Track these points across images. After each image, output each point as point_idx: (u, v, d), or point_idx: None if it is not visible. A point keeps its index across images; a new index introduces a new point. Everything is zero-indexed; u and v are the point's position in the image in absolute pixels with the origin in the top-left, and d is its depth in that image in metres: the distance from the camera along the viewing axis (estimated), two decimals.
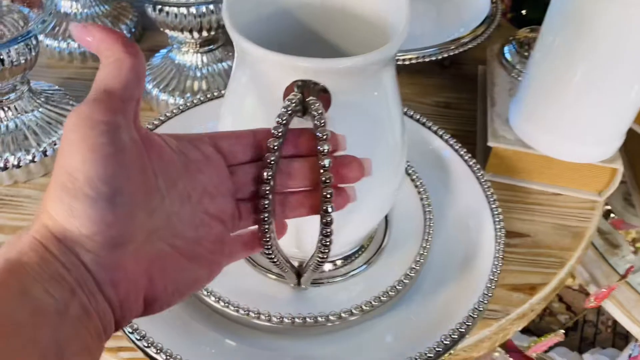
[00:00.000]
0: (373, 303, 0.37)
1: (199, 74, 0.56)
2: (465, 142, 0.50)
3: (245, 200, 0.28)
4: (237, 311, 0.36)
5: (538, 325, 1.04)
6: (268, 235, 0.29)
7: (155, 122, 0.49)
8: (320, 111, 0.27)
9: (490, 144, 0.49)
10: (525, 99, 0.48)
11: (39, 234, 0.21)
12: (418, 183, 0.45)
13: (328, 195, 0.27)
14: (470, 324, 0.36)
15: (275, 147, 0.27)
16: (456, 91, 0.60)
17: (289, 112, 0.27)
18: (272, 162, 0.27)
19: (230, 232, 0.28)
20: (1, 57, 0.44)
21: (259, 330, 0.37)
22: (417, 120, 0.49)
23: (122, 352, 0.37)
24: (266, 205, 0.27)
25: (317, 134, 0.27)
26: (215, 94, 0.52)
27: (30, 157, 0.48)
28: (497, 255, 0.40)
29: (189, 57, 0.56)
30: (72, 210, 0.21)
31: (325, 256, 0.29)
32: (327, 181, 0.27)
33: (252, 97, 0.33)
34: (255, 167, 0.28)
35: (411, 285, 0.39)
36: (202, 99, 0.51)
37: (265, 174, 0.27)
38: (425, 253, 0.40)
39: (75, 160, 0.21)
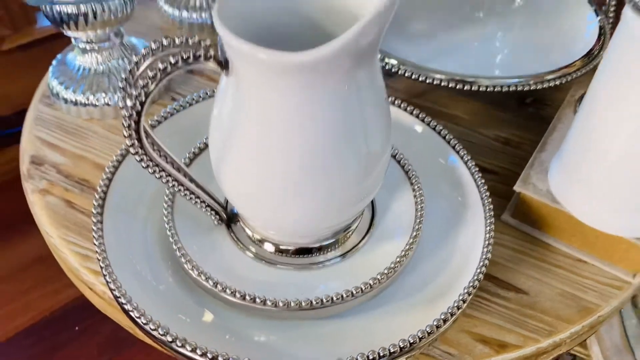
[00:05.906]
0: (344, 296, 0.36)
1: None
2: (504, 183, 0.48)
3: None
4: (215, 286, 0.36)
5: None
6: None
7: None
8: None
9: (516, 187, 0.45)
10: (566, 150, 0.44)
11: None
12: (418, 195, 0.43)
13: None
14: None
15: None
16: (524, 130, 0.56)
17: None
18: None
19: None
20: (101, 8, 0.51)
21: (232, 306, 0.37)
22: (444, 138, 0.46)
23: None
24: None
25: None
26: None
27: (107, 100, 0.56)
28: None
29: None
30: None
31: None
32: None
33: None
34: None
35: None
36: None
37: None
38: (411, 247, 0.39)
39: None
